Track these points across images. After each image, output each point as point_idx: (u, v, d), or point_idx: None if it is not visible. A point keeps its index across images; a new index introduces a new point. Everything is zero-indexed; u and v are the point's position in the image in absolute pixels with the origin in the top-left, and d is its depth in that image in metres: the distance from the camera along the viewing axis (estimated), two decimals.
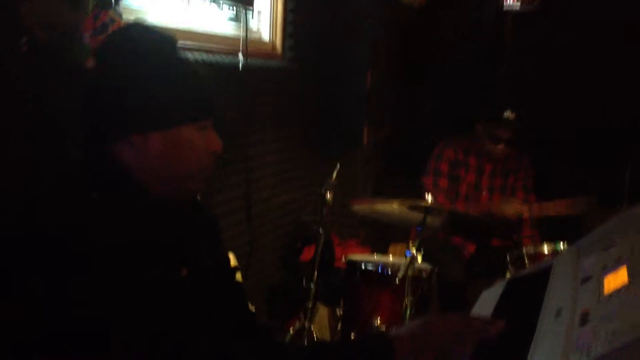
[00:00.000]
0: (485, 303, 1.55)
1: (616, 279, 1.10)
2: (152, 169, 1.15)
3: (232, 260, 2.75)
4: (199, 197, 1.31)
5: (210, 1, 2.94)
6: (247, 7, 3.08)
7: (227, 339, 1.20)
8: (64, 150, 1.58)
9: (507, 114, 3.26)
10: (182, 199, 1.21)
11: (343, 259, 3.01)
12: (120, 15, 2.03)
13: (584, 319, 1.02)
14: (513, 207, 3.27)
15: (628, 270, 1.10)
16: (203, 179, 1.21)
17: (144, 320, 1.02)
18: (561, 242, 2.73)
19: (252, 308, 2.81)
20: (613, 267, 1.16)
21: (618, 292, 1.04)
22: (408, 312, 2.59)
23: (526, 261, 2.72)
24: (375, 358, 1.15)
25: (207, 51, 2.81)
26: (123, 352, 1.00)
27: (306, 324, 2.99)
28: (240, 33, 3.04)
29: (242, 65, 3.00)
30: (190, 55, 2.62)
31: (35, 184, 1.29)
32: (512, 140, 3.32)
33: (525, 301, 1.41)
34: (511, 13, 4.16)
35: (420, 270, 2.77)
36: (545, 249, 2.77)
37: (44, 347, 1.01)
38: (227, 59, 2.94)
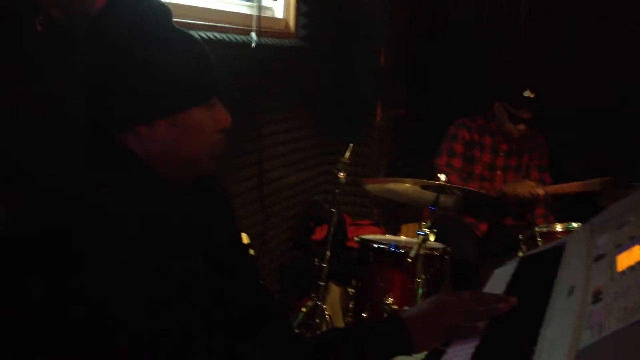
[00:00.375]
0: (498, 281, 1.55)
1: (630, 257, 1.09)
2: (161, 155, 1.10)
3: (245, 239, 2.76)
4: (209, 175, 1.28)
5: None
6: None
7: (240, 323, 1.19)
8: (71, 141, 1.54)
9: (527, 93, 3.21)
10: (193, 180, 1.16)
11: (355, 239, 3.02)
12: None
13: (597, 297, 1.02)
14: (527, 188, 3.25)
15: None
16: (214, 158, 1.17)
17: (156, 316, 0.99)
18: (574, 223, 2.72)
19: None
20: (627, 245, 1.16)
21: (632, 269, 1.04)
22: (420, 291, 2.59)
23: (539, 240, 2.71)
24: (392, 342, 1.14)
25: (219, 29, 2.80)
26: (131, 349, 0.98)
27: (318, 304, 3.01)
28: (253, 11, 3.03)
29: (255, 43, 2.98)
30: (202, 34, 2.61)
31: (40, 179, 1.24)
32: (531, 120, 3.28)
33: (537, 279, 1.41)
34: None
35: (432, 249, 2.77)
36: (559, 227, 2.75)
37: (49, 346, 0.98)
38: (239, 37, 2.93)
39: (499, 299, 1.22)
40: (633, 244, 1.13)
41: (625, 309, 0.90)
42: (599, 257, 1.19)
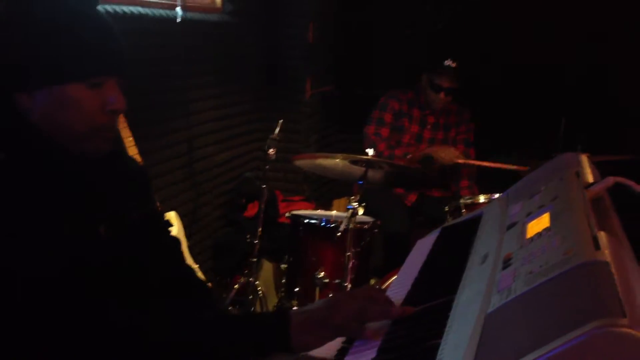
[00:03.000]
0: (419, 252, 1.60)
1: (539, 224, 1.14)
2: (47, 126, 1.09)
3: (174, 219, 2.71)
4: (121, 149, 1.27)
5: None
6: None
7: (152, 295, 1.18)
8: None
9: (448, 62, 3.32)
10: (93, 155, 1.15)
11: (287, 215, 3.03)
12: None
13: (507, 263, 1.06)
14: (449, 153, 3.37)
15: (550, 215, 1.15)
16: (106, 138, 1.15)
17: (53, 281, 0.99)
18: (497, 194, 2.81)
19: (195, 266, 2.80)
20: (537, 213, 1.21)
21: (539, 236, 1.09)
22: (350, 264, 2.64)
23: (463, 211, 2.79)
24: (269, 335, 1.12)
25: (143, 3, 2.73)
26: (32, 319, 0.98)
27: (251, 280, 3.02)
28: None
29: (180, 18, 2.93)
30: (125, 8, 2.54)
31: None
32: (452, 90, 3.39)
33: (456, 248, 1.46)
34: None
35: (361, 223, 2.81)
36: (482, 198, 2.84)
37: None
38: (164, 12, 2.86)
39: (390, 302, 1.19)
40: (542, 212, 1.19)
41: (530, 273, 0.94)
42: (511, 225, 1.24)
